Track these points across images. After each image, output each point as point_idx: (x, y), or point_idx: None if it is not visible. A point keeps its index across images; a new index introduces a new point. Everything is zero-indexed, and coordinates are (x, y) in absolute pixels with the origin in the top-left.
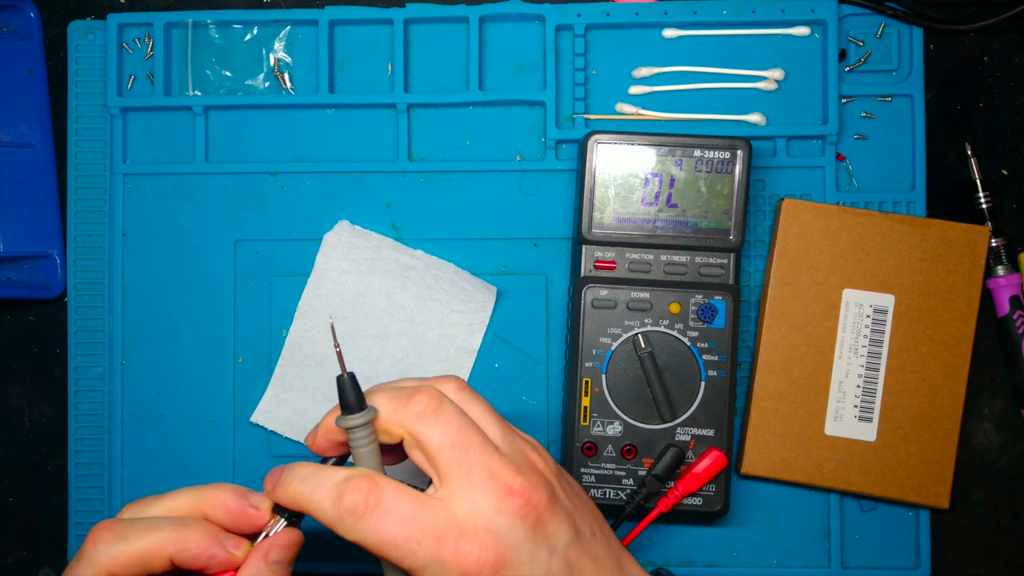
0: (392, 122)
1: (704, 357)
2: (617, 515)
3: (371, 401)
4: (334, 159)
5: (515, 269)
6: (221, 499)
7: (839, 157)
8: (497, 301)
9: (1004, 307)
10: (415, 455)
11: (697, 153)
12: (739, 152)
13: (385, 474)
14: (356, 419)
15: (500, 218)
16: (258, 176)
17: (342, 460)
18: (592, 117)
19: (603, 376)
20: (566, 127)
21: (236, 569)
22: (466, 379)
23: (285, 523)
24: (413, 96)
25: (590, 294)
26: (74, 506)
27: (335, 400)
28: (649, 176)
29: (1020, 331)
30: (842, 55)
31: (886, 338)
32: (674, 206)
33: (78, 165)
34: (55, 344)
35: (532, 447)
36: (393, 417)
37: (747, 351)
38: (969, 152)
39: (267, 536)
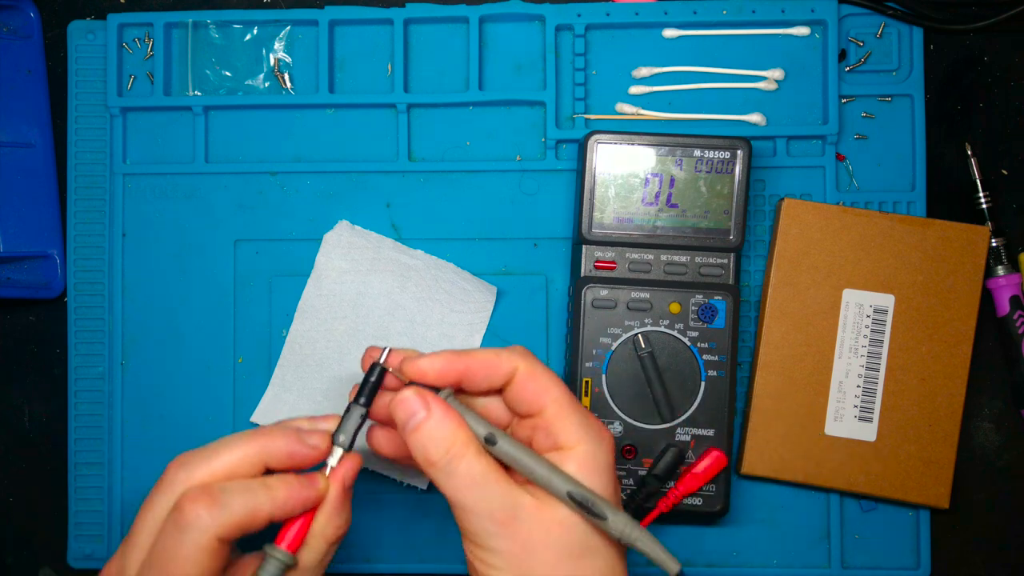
0: (392, 122)
1: (704, 357)
2: None
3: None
4: (334, 159)
5: (515, 269)
6: (280, 447)
7: (839, 157)
8: (497, 301)
9: (1004, 307)
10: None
11: (697, 153)
12: (739, 152)
13: None
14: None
15: (500, 218)
16: (258, 176)
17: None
18: (592, 117)
19: (603, 376)
20: (566, 127)
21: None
22: None
23: (342, 451)
24: (413, 96)
25: (590, 294)
26: (74, 506)
27: (334, 400)
28: (649, 176)
29: (1020, 331)
30: (842, 55)
31: (886, 338)
32: (674, 206)
33: (78, 165)
34: (55, 344)
35: None
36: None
37: (747, 351)
38: (969, 152)
39: (333, 467)
